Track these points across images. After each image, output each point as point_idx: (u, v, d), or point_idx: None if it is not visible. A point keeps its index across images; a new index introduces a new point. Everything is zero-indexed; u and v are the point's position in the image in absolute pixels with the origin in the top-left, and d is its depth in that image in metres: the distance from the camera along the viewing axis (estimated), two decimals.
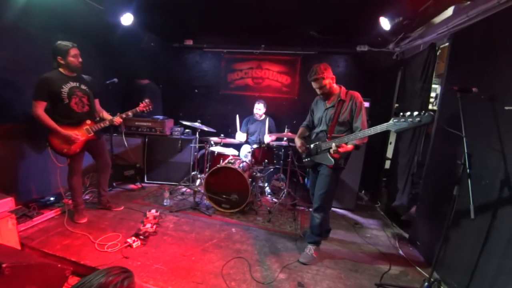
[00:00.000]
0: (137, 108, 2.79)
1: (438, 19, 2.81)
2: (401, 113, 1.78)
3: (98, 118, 2.77)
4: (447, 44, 2.64)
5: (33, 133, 2.74)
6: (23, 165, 2.79)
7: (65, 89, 2.46)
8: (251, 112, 4.36)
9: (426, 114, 1.68)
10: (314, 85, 2.30)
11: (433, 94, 3.61)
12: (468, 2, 2.30)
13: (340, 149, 2.12)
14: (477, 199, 1.63)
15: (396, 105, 3.74)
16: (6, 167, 2.64)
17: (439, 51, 2.84)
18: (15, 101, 2.65)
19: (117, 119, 2.73)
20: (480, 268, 1.82)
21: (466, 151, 1.69)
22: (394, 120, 1.79)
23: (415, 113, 1.71)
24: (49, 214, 2.75)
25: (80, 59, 2.51)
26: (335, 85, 2.34)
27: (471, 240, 1.93)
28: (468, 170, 1.66)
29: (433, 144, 2.65)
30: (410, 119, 1.73)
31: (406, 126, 1.75)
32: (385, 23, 3.04)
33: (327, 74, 2.23)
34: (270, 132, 4.17)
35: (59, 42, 2.42)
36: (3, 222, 1.97)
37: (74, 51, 2.45)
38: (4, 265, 1.26)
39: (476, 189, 1.62)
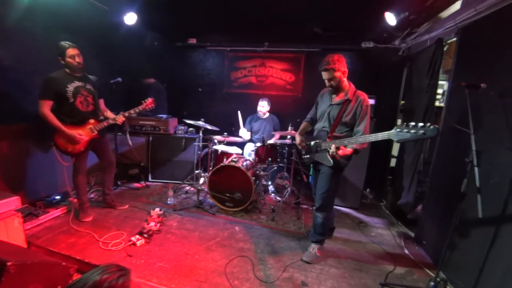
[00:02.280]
0: (140, 107, 2.79)
1: (446, 13, 2.74)
2: (405, 123, 1.69)
3: (102, 117, 2.79)
4: (454, 39, 2.57)
5: (39, 133, 2.78)
6: (30, 164, 2.84)
7: (70, 88, 2.49)
8: (255, 111, 4.34)
9: (432, 127, 1.58)
10: (324, 75, 2.18)
11: (440, 91, 3.54)
12: None
13: (339, 152, 2.04)
14: (486, 197, 1.59)
15: (402, 102, 3.68)
16: (14, 167, 2.69)
17: (446, 46, 2.77)
18: (21, 101, 2.68)
19: (120, 118, 2.74)
20: (488, 268, 1.78)
21: (474, 148, 1.65)
22: (397, 130, 1.71)
23: (420, 124, 1.62)
24: (55, 212, 2.79)
25: (78, 60, 2.49)
26: (345, 80, 2.22)
27: (479, 239, 1.89)
28: (476, 168, 1.62)
29: (440, 142, 2.59)
30: (414, 131, 1.64)
31: (409, 138, 1.67)
32: (390, 19, 2.99)
33: (339, 66, 2.11)
34: (274, 130, 4.15)
35: (61, 42, 2.44)
36: (10, 221, 2.00)
37: (71, 52, 2.44)
38: (9, 263, 1.28)
39: (484, 187, 1.58)
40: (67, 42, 2.44)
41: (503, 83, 1.82)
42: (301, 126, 2.57)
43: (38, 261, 1.50)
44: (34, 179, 2.88)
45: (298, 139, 2.48)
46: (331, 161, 2.16)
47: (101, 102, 2.83)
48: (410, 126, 1.66)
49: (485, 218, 1.57)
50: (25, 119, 2.69)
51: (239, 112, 4.19)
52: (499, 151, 1.79)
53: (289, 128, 3.63)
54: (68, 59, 2.45)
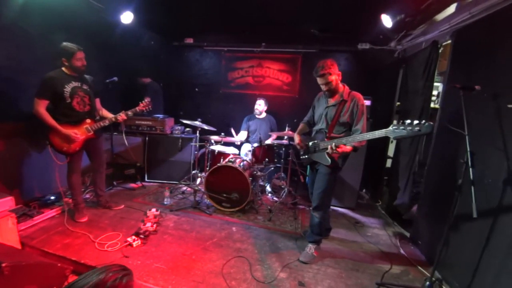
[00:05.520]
0: (137, 108, 2.80)
1: (441, 16, 2.78)
2: (401, 120, 1.75)
3: (98, 117, 2.78)
4: (449, 41, 2.61)
5: (33, 132, 2.74)
6: (24, 164, 2.80)
7: (68, 88, 2.48)
8: (251, 111, 4.34)
9: (426, 124, 1.65)
10: (319, 81, 2.22)
11: (435, 92, 3.58)
12: None
13: (339, 149, 2.09)
14: (480, 198, 1.62)
15: (398, 103, 3.71)
16: (7, 166, 2.65)
17: (441, 48, 2.80)
18: (15, 99, 2.65)
19: (121, 116, 2.74)
20: (482, 267, 1.81)
21: (468, 149, 1.67)
22: (394, 127, 1.77)
23: (415, 121, 1.68)
24: (50, 213, 2.75)
25: (84, 62, 2.53)
26: (340, 83, 2.29)
27: (473, 239, 1.92)
28: (470, 169, 1.64)
29: (435, 143, 2.63)
30: (410, 128, 1.70)
31: (405, 135, 1.73)
32: (386, 21, 3.02)
33: (334, 70, 2.17)
34: (271, 131, 4.16)
35: (65, 43, 2.43)
36: (3, 221, 1.97)
37: (80, 55, 2.48)
38: (3, 265, 1.26)
39: (478, 188, 1.61)
40: (74, 45, 2.45)
41: (497, 85, 1.86)
42: (299, 127, 2.63)
43: (33, 262, 1.49)
44: (28, 179, 2.84)
45: (297, 138, 2.53)
46: (329, 160, 2.21)
47: (97, 101, 2.82)
48: (406, 124, 1.72)
49: (479, 218, 1.59)
50: (19, 117, 2.65)
51: (232, 128, 4.18)
52: (493, 152, 1.82)
53: (286, 128, 3.64)
54: (75, 62, 2.47)
